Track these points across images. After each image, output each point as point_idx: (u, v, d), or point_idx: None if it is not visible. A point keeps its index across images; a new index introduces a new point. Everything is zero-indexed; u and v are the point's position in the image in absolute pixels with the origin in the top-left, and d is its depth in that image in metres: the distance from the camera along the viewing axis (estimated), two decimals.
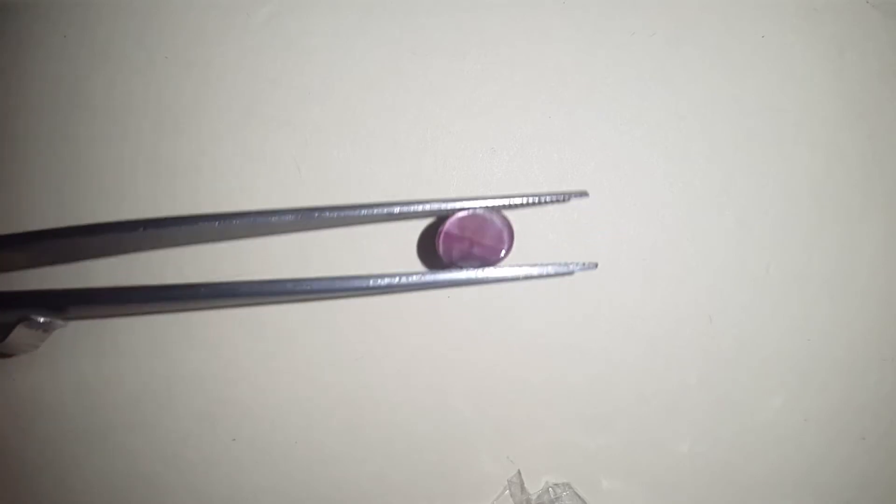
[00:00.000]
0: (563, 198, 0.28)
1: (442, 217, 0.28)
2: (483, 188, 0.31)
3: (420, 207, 0.27)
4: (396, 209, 0.27)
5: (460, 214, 0.27)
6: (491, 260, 0.28)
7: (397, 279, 0.27)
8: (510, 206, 0.27)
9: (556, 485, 0.32)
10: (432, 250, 0.29)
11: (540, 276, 0.28)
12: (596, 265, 0.28)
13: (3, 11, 0.30)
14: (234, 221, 0.26)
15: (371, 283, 0.27)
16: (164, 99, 0.30)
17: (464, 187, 0.31)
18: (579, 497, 0.32)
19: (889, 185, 0.31)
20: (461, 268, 0.28)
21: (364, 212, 0.27)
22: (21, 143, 0.30)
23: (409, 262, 0.31)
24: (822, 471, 0.33)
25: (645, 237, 0.31)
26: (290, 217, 0.27)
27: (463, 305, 0.31)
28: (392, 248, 0.31)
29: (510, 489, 0.32)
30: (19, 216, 0.30)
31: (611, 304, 0.31)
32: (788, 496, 0.33)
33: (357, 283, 0.27)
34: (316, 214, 0.27)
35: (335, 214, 0.27)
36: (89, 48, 0.30)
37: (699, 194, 0.31)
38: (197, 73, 0.30)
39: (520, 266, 0.28)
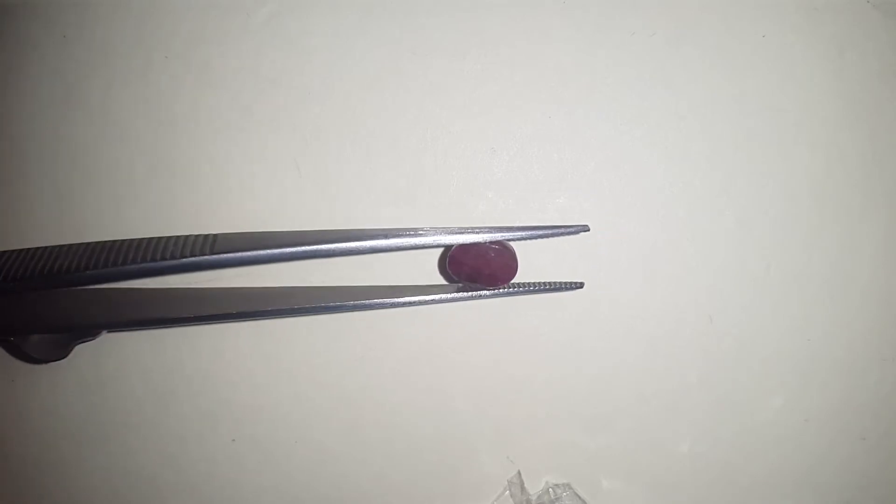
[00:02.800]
0: (567, 231, 0.28)
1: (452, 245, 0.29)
2: (483, 188, 0.31)
3: (431, 240, 0.27)
4: (405, 241, 0.27)
5: (467, 245, 0.28)
6: (497, 285, 0.28)
7: (415, 298, 0.28)
8: (515, 239, 0.28)
9: (556, 485, 0.32)
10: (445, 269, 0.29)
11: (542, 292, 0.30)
12: (582, 285, 0.30)
13: (3, 11, 0.30)
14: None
15: (393, 300, 0.28)
16: (163, 99, 0.30)
17: (464, 187, 0.31)
18: (579, 497, 0.32)
19: (889, 185, 0.31)
20: (468, 290, 0.29)
21: (373, 243, 0.27)
22: (20, 142, 0.30)
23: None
24: (823, 471, 0.33)
25: (645, 237, 0.31)
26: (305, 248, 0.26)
27: (463, 306, 0.31)
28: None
29: (510, 489, 0.32)
30: (18, 215, 0.30)
31: (611, 304, 0.31)
32: (788, 496, 0.33)
33: (381, 302, 0.28)
34: (324, 248, 0.26)
35: (341, 246, 0.26)
36: (88, 48, 0.30)
37: (699, 194, 0.31)
38: (197, 73, 0.30)
39: (520, 285, 0.29)
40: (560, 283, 0.30)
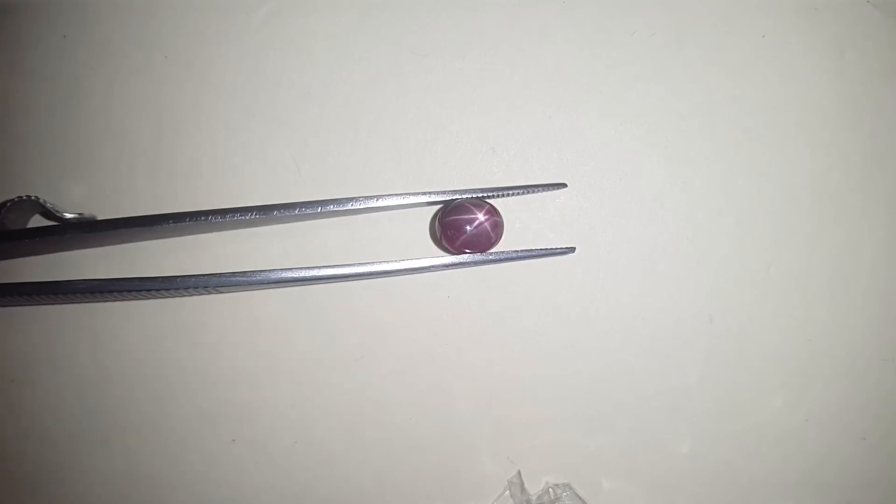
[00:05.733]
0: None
1: (440, 209, 0.29)
2: (483, 188, 0.30)
3: (417, 199, 0.28)
4: (394, 200, 0.28)
5: (452, 205, 0.28)
6: (482, 245, 0.28)
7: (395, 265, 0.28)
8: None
9: (556, 485, 0.32)
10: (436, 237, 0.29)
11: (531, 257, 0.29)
12: (574, 249, 0.29)
13: (3, 11, 0.30)
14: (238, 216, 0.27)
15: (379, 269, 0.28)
16: (164, 99, 0.30)
17: (464, 187, 0.30)
18: (579, 497, 0.32)
19: (889, 184, 0.31)
20: (459, 251, 0.28)
21: (362, 204, 0.28)
22: (20, 142, 0.30)
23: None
24: (823, 471, 0.33)
25: (645, 237, 0.31)
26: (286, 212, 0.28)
27: (463, 305, 0.31)
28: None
29: (510, 489, 0.32)
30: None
31: (611, 304, 0.31)
32: (789, 496, 0.33)
33: (368, 272, 0.28)
34: (319, 209, 0.27)
35: (335, 208, 0.27)
36: (89, 48, 0.30)
37: (699, 194, 0.31)
38: (197, 73, 0.30)
39: (510, 251, 0.29)
40: (551, 248, 0.29)
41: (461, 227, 0.28)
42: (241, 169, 0.30)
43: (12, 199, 0.27)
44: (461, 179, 0.30)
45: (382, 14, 0.30)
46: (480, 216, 0.28)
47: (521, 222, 0.31)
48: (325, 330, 0.31)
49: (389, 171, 0.30)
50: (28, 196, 0.27)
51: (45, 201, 0.27)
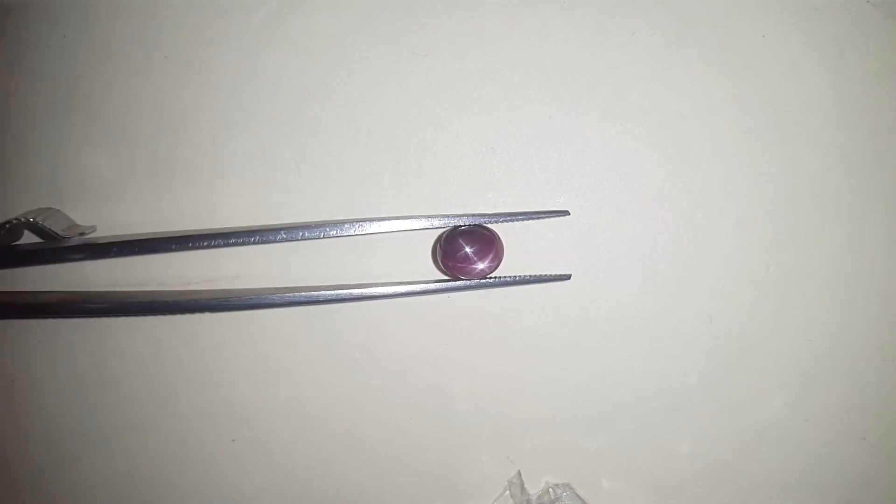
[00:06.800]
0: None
1: (442, 234, 0.29)
2: (483, 188, 0.31)
3: (419, 223, 0.28)
4: (395, 225, 0.28)
5: (454, 232, 0.28)
6: (480, 272, 0.28)
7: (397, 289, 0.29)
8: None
9: (556, 485, 0.32)
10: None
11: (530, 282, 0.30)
12: (569, 276, 0.30)
13: (3, 11, 0.30)
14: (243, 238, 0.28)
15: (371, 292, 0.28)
16: (163, 99, 0.30)
17: (464, 187, 0.31)
18: (579, 497, 0.32)
19: (890, 184, 0.31)
20: (455, 278, 0.29)
21: (364, 228, 0.28)
22: (20, 142, 0.30)
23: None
24: (823, 471, 0.33)
25: (645, 237, 0.31)
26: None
27: (463, 306, 0.31)
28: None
29: (510, 489, 0.32)
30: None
31: (611, 304, 0.31)
32: (789, 496, 0.33)
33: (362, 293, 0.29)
34: (321, 234, 0.28)
35: (338, 233, 0.28)
36: (88, 48, 0.30)
37: (699, 194, 0.31)
38: (197, 73, 0.30)
39: (507, 277, 0.29)
40: (547, 275, 0.30)
41: (463, 270, 0.28)
42: (241, 169, 0.30)
43: (10, 221, 0.26)
44: (461, 179, 0.30)
45: (382, 14, 0.30)
46: (481, 265, 0.28)
47: (521, 223, 0.31)
48: (326, 330, 0.31)
49: (389, 171, 0.30)
50: (26, 219, 0.26)
51: (41, 223, 0.26)
